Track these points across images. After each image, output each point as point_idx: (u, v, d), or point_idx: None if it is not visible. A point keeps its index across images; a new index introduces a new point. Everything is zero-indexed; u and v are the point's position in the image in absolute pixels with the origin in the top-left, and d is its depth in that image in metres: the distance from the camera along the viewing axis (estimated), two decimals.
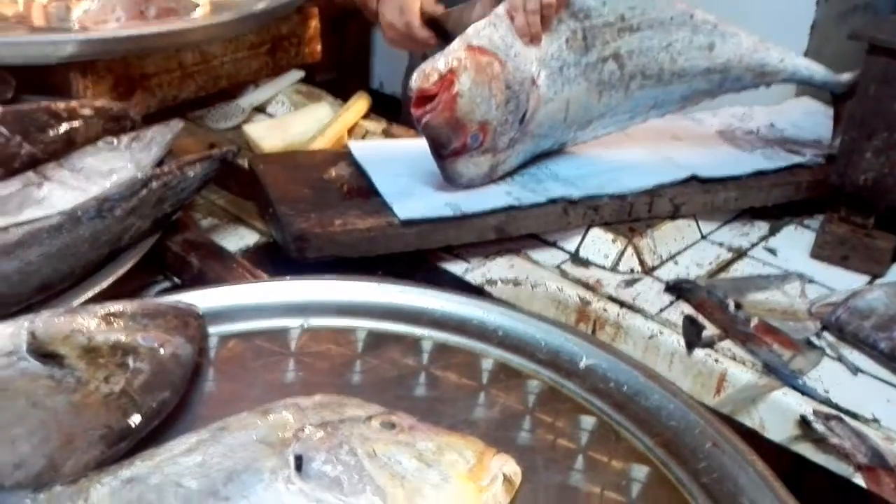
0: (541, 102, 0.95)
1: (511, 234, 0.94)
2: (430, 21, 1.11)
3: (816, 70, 1.10)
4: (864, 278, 0.94)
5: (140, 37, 1.14)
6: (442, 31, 1.11)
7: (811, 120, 1.23)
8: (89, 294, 0.72)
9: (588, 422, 0.63)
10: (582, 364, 0.67)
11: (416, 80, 0.87)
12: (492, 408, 0.64)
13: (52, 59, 1.06)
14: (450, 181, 0.95)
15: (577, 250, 0.97)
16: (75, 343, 0.59)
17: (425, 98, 0.87)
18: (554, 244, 0.98)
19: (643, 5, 0.98)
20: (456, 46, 0.89)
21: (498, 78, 0.90)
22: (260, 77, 1.33)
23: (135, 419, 0.56)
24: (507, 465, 0.55)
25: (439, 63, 0.88)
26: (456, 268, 0.93)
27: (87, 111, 0.94)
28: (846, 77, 1.08)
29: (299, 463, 0.50)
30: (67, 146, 0.89)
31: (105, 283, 0.73)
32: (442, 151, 0.92)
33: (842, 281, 0.93)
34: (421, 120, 0.88)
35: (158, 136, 0.91)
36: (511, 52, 0.91)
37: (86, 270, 0.74)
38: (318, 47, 1.42)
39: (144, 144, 0.90)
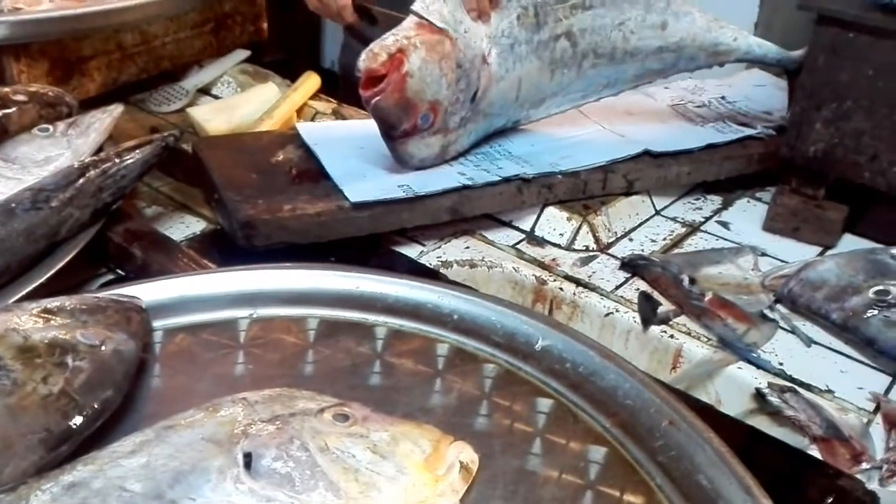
0: (492, 81, 0.94)
1: (465, 214, 0.93)
2: (361, 9, 1.10)
3: (770, 48, 1.10)
4: (816, 249, 0.95)
5: (75, 17, 1.09)
6: (370, 21, 1.12)
7: (762, 92, 1.24)
8: (25, 290, 0.69)
9: (545, 404, 0.62)
10: (538, 346, 0.67)
11: (364, 61, 0.85)
12: (448, 394, 0.63)
13: None
14: (400, 162, 0.93)
15: (533, 229, 0.96)
16: (10, 343, 0.56)
17: (374, 79, 0.85)
18: (509, 224, 0.97)
19: None
20: (406, 25, 0.87)
21: (448, 56, 0.88)
22: (204, 57, 1.29)
23: (76, 420, 0.54)
24: (464, 453, 0.55)
25: (388, 41, 0.86)
26: (410, 251, 0.91)
27: (20, 97, 0.90)
28: (798, 54, 1.08)
29: (248, 460, 0.49)
30: (0, 134, 0.85)
31: (42, 279, 0.70)
32: (392, 133, 0.90)
33: (794, 253, 0.94)
34: (370, 101, 0.86)
35: (97, 122, 0.88)
36: (461, 28, 0.89)
37: (22, 266, 0.71)
38: (265, 25, 1.38)
39: (82, 131, 0.87)
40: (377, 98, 0.85)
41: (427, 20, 0.87)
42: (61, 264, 0.72)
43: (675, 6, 1.02)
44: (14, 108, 0.88)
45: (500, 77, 0.94)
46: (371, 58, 0.85)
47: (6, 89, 0.91)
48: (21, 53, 1.05)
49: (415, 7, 0.88)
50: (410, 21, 0.88)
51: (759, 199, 1.06)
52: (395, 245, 0.92)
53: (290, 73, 1.27)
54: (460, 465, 0.54)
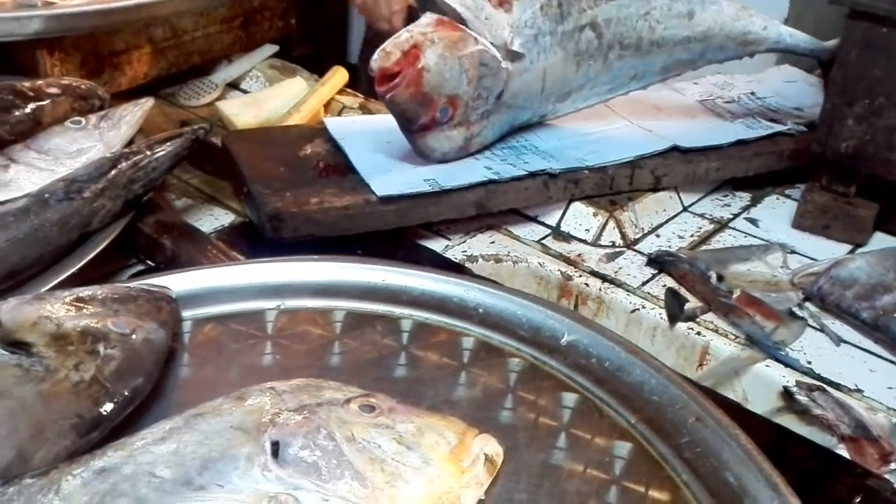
0: (515, 71, 0.93)
1: (491, 209, 0.93)
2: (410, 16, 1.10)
3: (801, 38, 1.09)
4: (846, 247, 0.94)
5: (108, 11, 1.11)
6: None
7: (793, 88, 1.22)
8: (58, 279, 0.70)
9: (570, 399, 0.62)
10: (563, 340, 0.67)
11: (376, 60, 0.85)
12: (473, 387, 0.63)
13: (17, 36, 1.02)
14: (422, 156, 0.93)
15: (559, 224, 0.96)
16: (44, 330, 0.57)
17: (389, 76, 0.86)
18: (535, 219, 0.97)
19: None
20: (423, 21, 0.87)
21: (472, 54, 0.88)
22: (233, 52, 1.30)
23: (107, 407, 0.55)
24: (489, 446, 0.55)
25: (402, 38, 0.86)
26: (436, 245, 0.92)
27: (54, 90, 0.91)
28: (832, 44, 1.07)
29: (276, 449, 0.49)
30: (34, 126, 0.87)
31: (74, 268, 0.71)
32: (410, 127, 0.91)
33: (824, 250, 0.93)
34: (385, 97, 0.87)
35: (128, 115, 0.89)
36: (482, 16, 0.89)
37: (55, 255, 0.72)
38: (294, 20, 1.39)
39: (114, 123, 0.88)
40: (391, 94, 0.86)
41: (450, 6, 0.87)
42: (93, 254, 0.73)
43: None
44: (47, 101, 0.89)
45: (525, 68, 0.94)
46: (384, 57, 0.85)
47: (40, 82, 0.92)
48: (55, 47, 1.07)
49: None
50: (429, 18, 0.88)
51: (789, 196, 1.05)
52: (421, 239, 0.92)
53: (317, 68, 1.27)
54: (485, 457, 0.54)
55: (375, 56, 0.85)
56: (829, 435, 0.70)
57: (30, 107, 0.88)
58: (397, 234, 0.90)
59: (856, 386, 0.74)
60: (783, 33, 1.07)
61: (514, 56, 0.91)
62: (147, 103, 0.91)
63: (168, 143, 0.82)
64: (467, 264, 0.89)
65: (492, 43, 0.90)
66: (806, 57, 1.12)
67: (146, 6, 1.13)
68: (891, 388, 0.74)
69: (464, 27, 0.88)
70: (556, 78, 0.97)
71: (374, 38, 1.25)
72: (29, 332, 0.57)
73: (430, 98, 0.88)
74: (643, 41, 0.99)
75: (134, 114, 0.89)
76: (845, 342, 0.79)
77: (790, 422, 0.73)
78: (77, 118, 0.88)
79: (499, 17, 0.90)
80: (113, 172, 0.77)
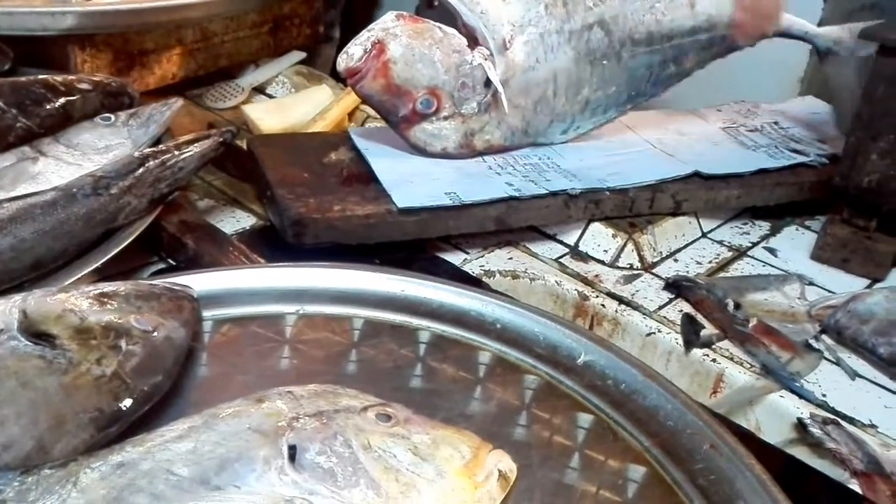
0: (518, 69, 0.94)
1: (511, 225, 0.93)
2: None
3: (795, 21, 1.09)
4: (865, 282, 0.94)
5: (141, 11, 1.13)
6: None
7: (815, 119, 1.22)
8: (82, 273, 0.71)
9: (585, 419, 0.62)
10: (580, 360, 0.67)
11: (341, 63, 0.88)
12: (488, 402, 0.63)
13: (50, 31, 1.04)
14: (417, 150, 0.94)
15: (577, 244, 0.96)
16: (67, 323, 0.58)
17: (356, 73, 0.89)
18: (553, 237, 0.97)
19: None
20: (384, 18, 0.90)
21: (442, 42, 0.90)
22: (260, 57, 1.32)
23: (126, 403, 0.55)
24: (503, 462, 0.55)
25: (362, 37, 0.89)
26: (454, 258, 0.92)
27: (85, 86, 0.92)
28: (827, 30, 1.06)
29: (293, 453, 0.50)
30: (64, 121, 0.88)
31: (98, 263, 0.72)
32: (391, 119, 0.92)
33: (842, 284, 0.92)
34: (355, 86, 0.89)
35: (157, 114, 0.90)
36: (477, 9, 0.90)
37: (80, 249, 0.73)
38: (321, 29, 1.41)
39: (142, 122, 0.89)
40: (358, 85, 0.89)
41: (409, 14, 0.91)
42: (117, 250, 0.74)
43: None
44: (78, 96, 0.90)
45: (530, 66, 0.94)
46: (347, 58, 0.88)
47: (72, 77, 0.93)
48: (86, 43, 1.08)
49: None
50: (390, 15, 0.90)
51: (808, 228, 1.05)
52: (440, 251, 0.93)
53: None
54: (499, 473, 0.54)
55: (339, 58, 0.88)
56: (842, 469, 0.70)
57: (60, 101, 0.89)
58: (416, 245, 0.91)
59: (870, 421, 0.73)
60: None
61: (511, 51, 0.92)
62: (176, 104, 0.92)
63: (196, 144, 0.82)
64: (485, 279, 0.89)
65: (491, 38, 0.91)
66: (801, 40, 1.12)
67: (178, 7, 1.15)
68: None
69: (427, 20, 0.90)
70: (569, 79, 0.97)
71: None
72: (53, 324, 0.57)
73: (405, 90, 0.90)
74: (653, 35, 0.99)
75: (163, 113, 0.90)
76: (861, 377, 0.79)
77: (803, 454, 0.73)
78: (106, 115, 0.89)
79: (497, 13, 0.91)
80: (140, 170, 0.78)
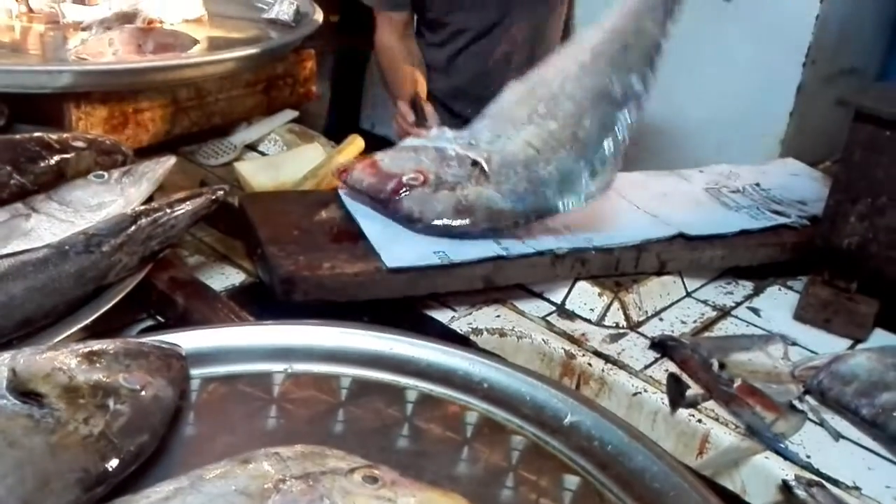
0: (494, 148, 1.00)
1: (498, 283, 0.94)
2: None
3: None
4: (847, 342, 0.95)
5: (136, 70, 1.15)
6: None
7: (796, 181, 1.25)
8: (71, 330, 0.71)
9: (572, 481, 0.63)
10: (567, 420, 0.67)
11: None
12: (475, 463, 0.63)
13: (47, 89, 1.06)
14: (410, 221, 0.95)
15: (564, 302, 0.97)
16: (56, 382, 0.58)
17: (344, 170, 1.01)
18: (540, 295, 0.98)
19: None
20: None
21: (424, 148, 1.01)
22: (254, 115, 1.34)
23: (112, 463, 0.55)
24: None
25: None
26: (442, 315, 0.93)
27: (79, 143, 0.94)
28: None
29: None
30: (58, 178, 0.89)
31: (87, 320, 0.72)
32: (381, 196, 0.96)
33: (825, 344, 0.94)
34: (345, 180, 0.99)
35: (150, 172, 0.91)
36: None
37: (69, 306, 0.73)
38: (313, 88, 1.43)
39: (135, 179, 0.90)
40: (347, 175, 0.99)
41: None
42: (107, 307, 0.74)
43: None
44: (72, 154, 0.91)
45: (504, 143, 1.00)
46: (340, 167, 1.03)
47: (66, 135, 0.94)
48: (81, 101, 1.10)
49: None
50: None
51: (791, 288, 1.07)
52: (428, 309, 0.93)
53: (334, 136, 1.31)
54: None
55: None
56: None
57: (55, 159, 0.90)
58: (405, 302, 0.91)
59: (854, 483, 0.74)
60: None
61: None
62: (168, 162, 0.93)
63: (187, 203, 0.83)
64: (472, 337, 0.90)
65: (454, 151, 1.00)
66: None
67: (173, 67, 1.18)
68: (889, 486, 0.74)
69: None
70: (543, 141, 0.99)
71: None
72: (42, 382, 0.57)
73: (392, 174, 0.97)
74: (587, 96, 1.00)
75: (155, 171, 0.91)
76: (844, 438, 0.79)
77: None
78: (100, 172, 0.90)
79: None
80: (132, 228, 0.78)
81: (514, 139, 1.00)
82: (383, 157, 1.00)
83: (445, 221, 0.95)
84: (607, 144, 0.99)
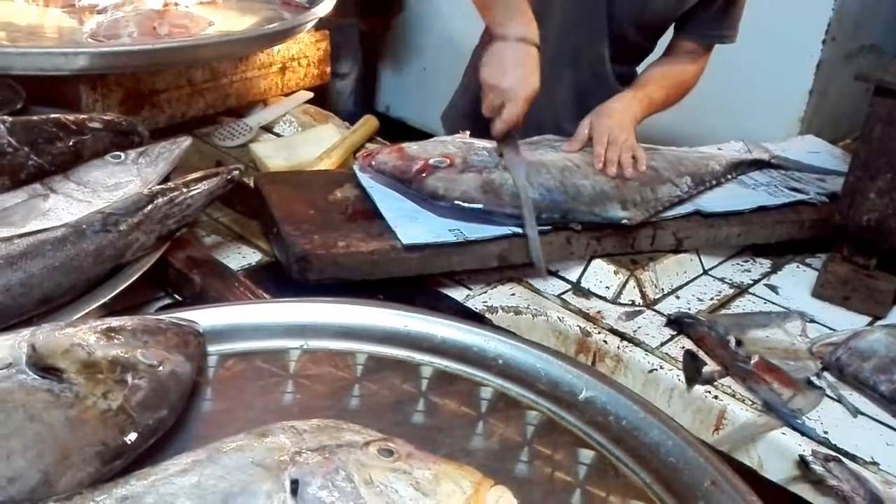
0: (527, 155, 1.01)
1: (513, 261, 0.94)
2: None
3: None
4: (866, 319, 0.94)
5: (151, 51, 1.15)
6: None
7: (816, 158, 1.24)
8: (89, 308, 0.72)
9: (586, 455, 0.63)
10: (582, 396, 0.67)
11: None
12: (490, 438, 0.63)
13: (63, 71, 1.06)
14: (435, 197, 0.94)
15: (579, 280, 0.97)
16: (75, 357, 0.58)
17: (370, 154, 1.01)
18: (556, 273, 0.98)
19: None
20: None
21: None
22: (269, 97, 1.34)
23: (131, 437, 0.56)
24: (504, 498, 0.55)
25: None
26: (457, 293, 0.93)
27: (96, 124, 0.94)
28: None
29: (295, 487, 0.50)
30: (75, 159, 0.89)
31: (106, 298, 0.73)
32: (406, 175, 0.96)
33: (843, 321, 0.93)
34: (370, 164, 0.98)
35: (166, 152, 0.91)
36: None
37: (87, 284, 0.74)
38: (328, 69, 1.43)
39: (151, 160, 0.90)
40: (373, 159, 0.99)
41: None
42: (125, 285, 0.75)
43: None
44: (89, 135, 0.92)
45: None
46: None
47: (83, 117, 0.95)
48: (97, 83, 1.10)
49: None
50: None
51: (809, 265, 1.06)
52: (442, 287, 0.93)
53: (349, 117, 1.31)
54: None
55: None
56: None
57: (72, 140, 0.90)
58: (419, 280, 0.91)
59: (872, 458, 0.73)
60: None
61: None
62: (185, 143, 0.93)
63: (203, 182, 0.84)
64: (487, 315, 0.90)
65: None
66: None
67: (188, 49, 1.17)
68: None
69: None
70: (586, 163, 1.04)
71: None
72: (61, 358, 0.58)
73: (419, 157, 0.98)
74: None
75: (172, 152, 0.91)
76: (862, 414, 0.79)
77: (805, 491, 0.73)
78: (117, 153, 0.90)
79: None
80: (149, 207, 0.79)
81: (553, 155, 1.03)
82: (410, 145, 1.01)
83: (470, 202, 0.94)
84: (643, 194, 1.01)
